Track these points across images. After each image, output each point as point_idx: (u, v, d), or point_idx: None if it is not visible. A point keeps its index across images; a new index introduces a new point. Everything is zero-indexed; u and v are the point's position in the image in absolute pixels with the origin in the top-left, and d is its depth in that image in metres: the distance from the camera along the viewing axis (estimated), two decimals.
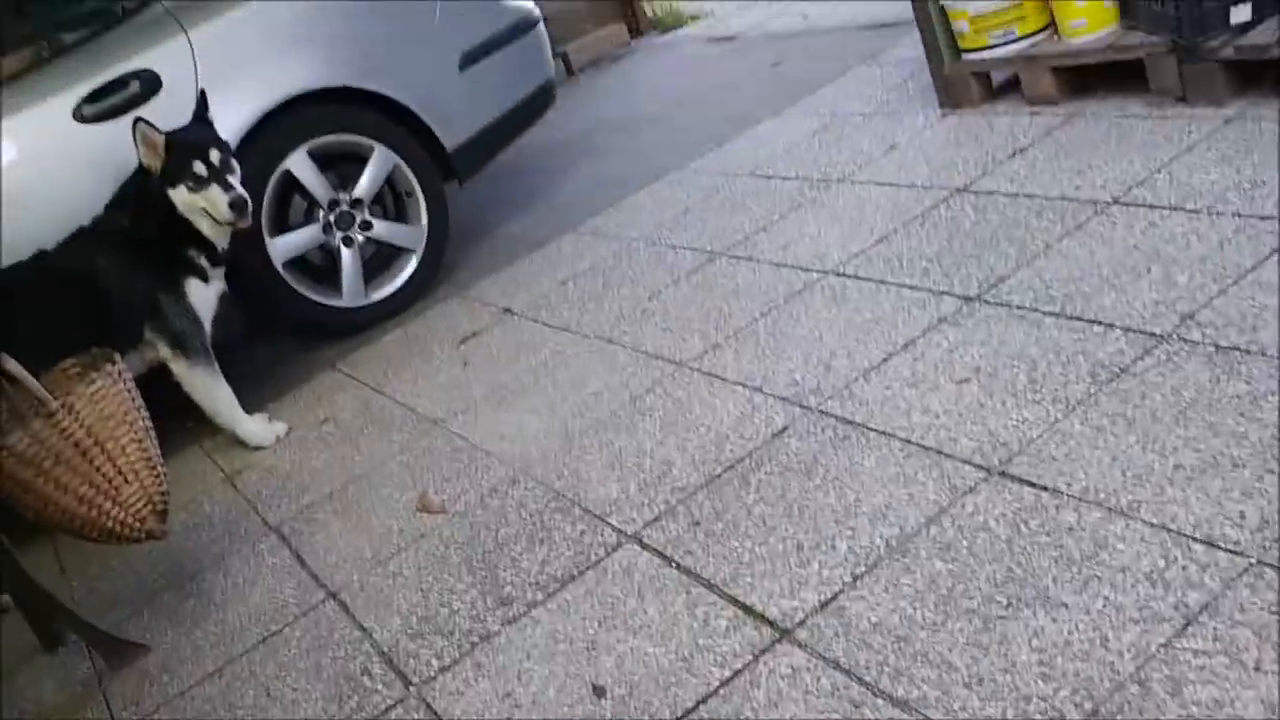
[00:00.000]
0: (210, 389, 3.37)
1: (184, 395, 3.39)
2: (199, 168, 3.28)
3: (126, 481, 2.61)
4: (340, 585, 2.51)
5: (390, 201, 4.10)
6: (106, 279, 3.25)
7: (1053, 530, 1.82)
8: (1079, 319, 2.33)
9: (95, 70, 3.57)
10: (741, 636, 1.87)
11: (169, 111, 3.47)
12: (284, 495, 3.05)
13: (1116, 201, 2.71)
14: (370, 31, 3.95)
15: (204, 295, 3.39)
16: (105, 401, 2.61)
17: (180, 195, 3.29)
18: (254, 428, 3.41)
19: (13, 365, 2.51)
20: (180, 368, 3.34)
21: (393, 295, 4.05)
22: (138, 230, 3.31)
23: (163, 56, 3.63)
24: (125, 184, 3.38)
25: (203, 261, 3.38)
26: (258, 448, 3.38)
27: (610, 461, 2.54)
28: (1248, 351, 2.02)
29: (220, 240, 3.39)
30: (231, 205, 3.27)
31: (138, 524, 2.64)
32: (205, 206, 3.30)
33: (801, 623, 1.85)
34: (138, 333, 3.30)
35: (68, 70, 3.59)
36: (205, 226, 3.34)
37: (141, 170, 3.32)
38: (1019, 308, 2.45)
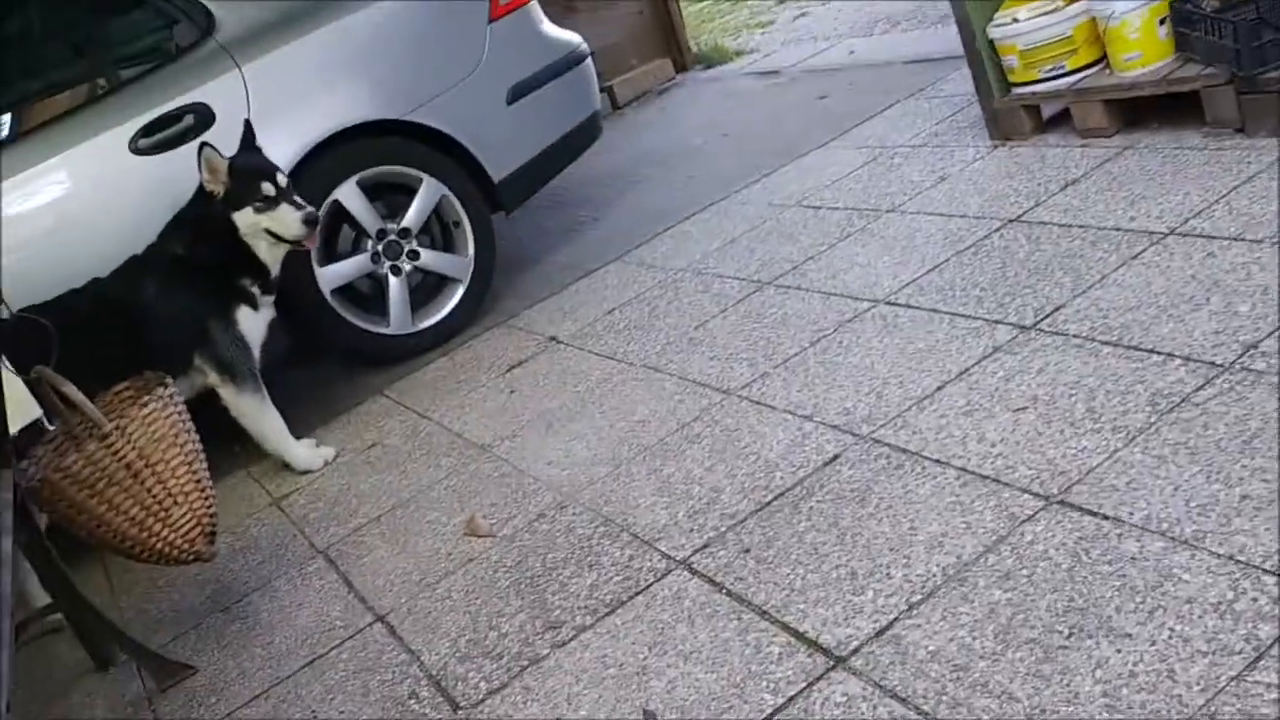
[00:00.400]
0: (258, 415, 3.40)
1: (231, 420, 3.41)
2: (267, 188, 3.34)
3: (176, 503, 2.64)
4: (388, 608, 2.51)
5: (438, 231, 4.12)
6: (158, 306, 3.29)
7: (1115, 560, 1.78)
8: (1137, 348, 2.29)
9: (151, 104, 3.63)
10: (795, 663, 1.85)
11: (223, 144, 3.53)
12: (331, 519, 3.05)
13: (1173, 232, 2.67)
14: (419, 65, 4.00)
15: (254, 323, 3.43)
16: (157, 424, 2.64)
17: (245, 217, 3.34)
18: (302, 453, 3.44)
19: (70, 389, 2.54)
20: (229, 394, 3.37)
21: (439, 323, 4.06)
22: (193, 256, 3.35)
23: (216, 90, 3.69)
24: (180, 213, 3.43)
25: (254, 289, 3.42)
26: (305, 472, 3.40)
27: (658, 488, 2.53)
28: None
29: (274, 266, 3.44)
30: (305, 221, 3.33)
31: (187, 545, 2.66)
32: (271, 226, 3.35)
33: (856, 650, 1.82)
34: (187, 359, 3.33)
35: (124, 104, 3.66)
36: (263, 249, 3.40)
37: (201, 196, 3.36)
38: (1076, 337, 2.42)
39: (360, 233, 3.93)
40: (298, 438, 3.47)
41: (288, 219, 3.34)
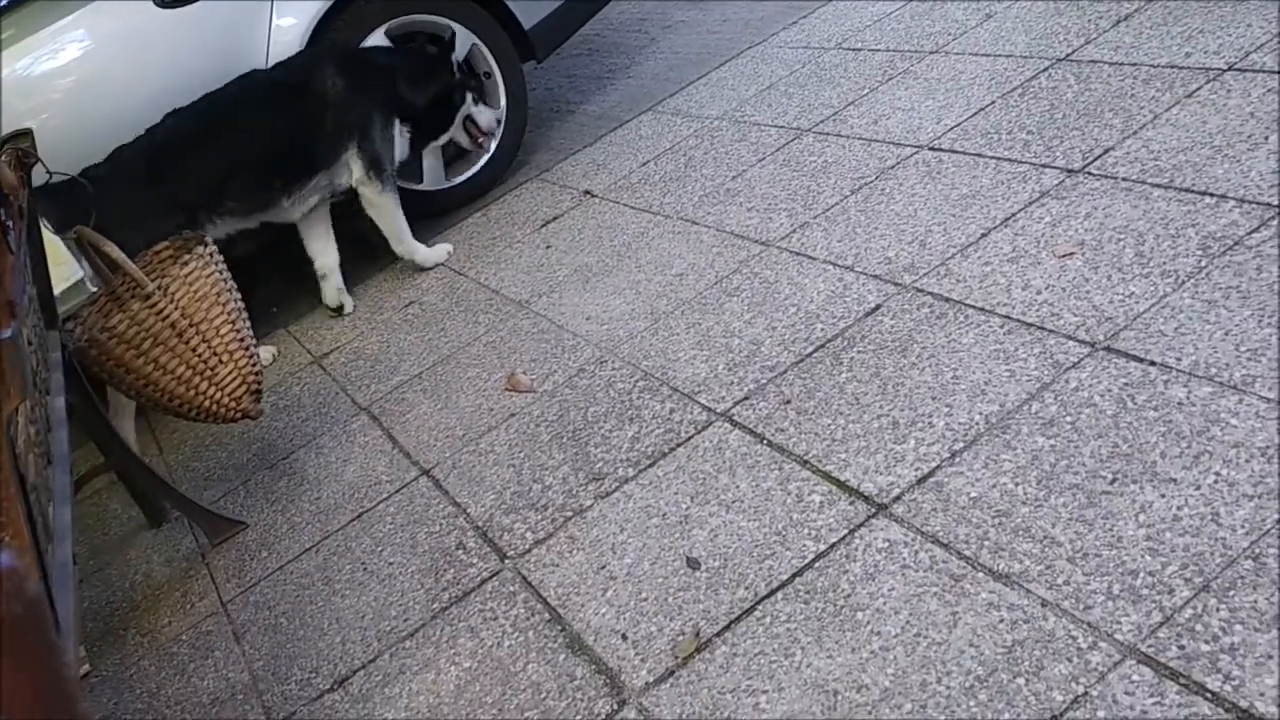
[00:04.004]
0: (394, 213, 3.60)
1: (269, 278, 3.43)
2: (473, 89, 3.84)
3: (222, 362, 2.66)
4: (433, 463, 2.55)
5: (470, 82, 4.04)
6: (338, 94, 3.44)
7: (1161, 406, 1.76)
8: (1189, 190, 2.23)
9: None
10: (836, 511, 1.86)
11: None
12: (372, 377, 3.08)
13: (1231, 68, 2.57)
14: None
15: (402, 140, 3.63)
16: (199, 283, 2.64)
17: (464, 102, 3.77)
18: (428, 252, 3.65)
19: (110, 248, 2.54)
20: (371, 191, 3.54)
21: (473, 178, 4.02)
22: (403, 87, 3.57)
23: None
24: (403, 49, 3.70)
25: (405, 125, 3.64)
26: (433, 267, 3.64)
27: (698, 341, 2.52)
28: None
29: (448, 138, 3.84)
30: (498, 120, 3.95)
31: (234, 403, 2.69)
32: (475, 117, 3.83)
33: (898, 498, 1.83)
34: (342, 150, 3.48)
35: None
36: (455, 127, 3.81)
37: (436, 59, 3.66)
38: (1125, 180, 2.35)
39: None
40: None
41: (483, 117, 3.85)
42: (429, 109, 3.68)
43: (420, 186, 3.94)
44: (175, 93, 3.37)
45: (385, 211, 3.59)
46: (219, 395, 2.66)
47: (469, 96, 3.80)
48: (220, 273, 2.68)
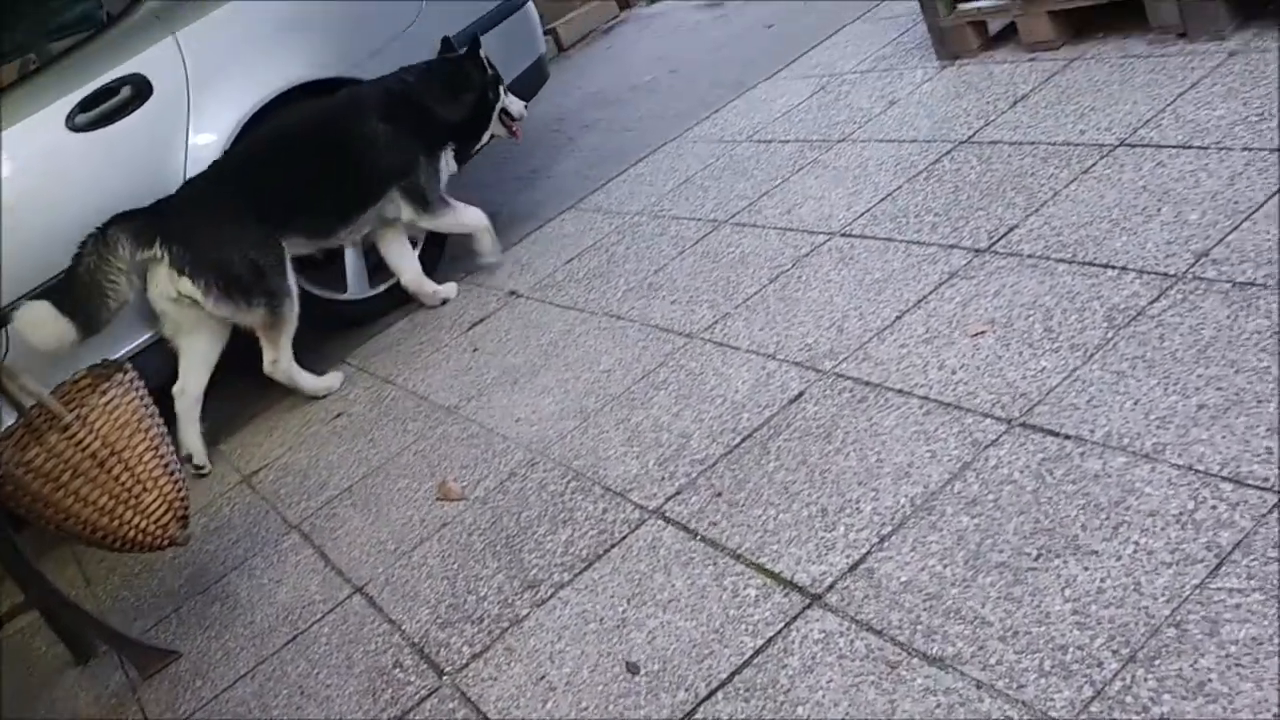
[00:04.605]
0: (457, 217, 3.83)
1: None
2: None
3: (146, 489, 2.61)
4: (366, 579, 2.51)
5: None
6: (382, 134, 3.63)
7: (1079, 478, 1.80)
8: (1092, 264, 2.30)
9: (85, 78, 3.54)
10: (772, 604, 1.86)
11: (162, 114, 3.48)
12: (302, 492, 3.04)
13: (1123, 143, 2.67)
14: (357, 19, 3.92)
15: (448, 161, 3.83)
16: (119, 411, 2.60)
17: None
18: (490, 242, 3.89)
19: (26, 380, 2.50)
20: (426, 223, 3.79)
21: (398, 285, 4.03)
22: (444, 105, 3.78)
23: (152, 60, 3.60)
24: (430, 66, 3.83)
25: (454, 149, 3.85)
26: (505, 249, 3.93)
27: (628, 438, 2.53)
28: (1265, 286, 1.99)
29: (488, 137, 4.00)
30: (525, 107, 4.09)
31: (160, 531, 2.64)
32: (507, 107, 3.96)
33: (831, 586, 1.84)
34: (386, 188, 3.68)
35: (58, 79, 3.57)
36: (494, 123, 3.95)
37: (463, 62, 3.83)
38: (1030, 256, 2.42)
39: None
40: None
41: (514, 105, 4.00)
42: (470, 117, 3.86)
43: (345, 296, 3.94)
44: (98, 212, 3.35)
45: (450, 225, 3.85)
46: (144, 523, 2.60)
47: (501, 89, 3.93)
48: (142, 399, 2.65)
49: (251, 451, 3.44)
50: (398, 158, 3.66)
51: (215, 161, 3.52)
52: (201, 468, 3.44)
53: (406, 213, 3.72)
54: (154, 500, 2.62)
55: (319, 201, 3.58)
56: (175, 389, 3.47)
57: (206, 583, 2.84)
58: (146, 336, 3.54)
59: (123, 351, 3.43)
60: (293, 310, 3.51)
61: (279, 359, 3.51)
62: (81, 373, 2.77)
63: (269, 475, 3.25)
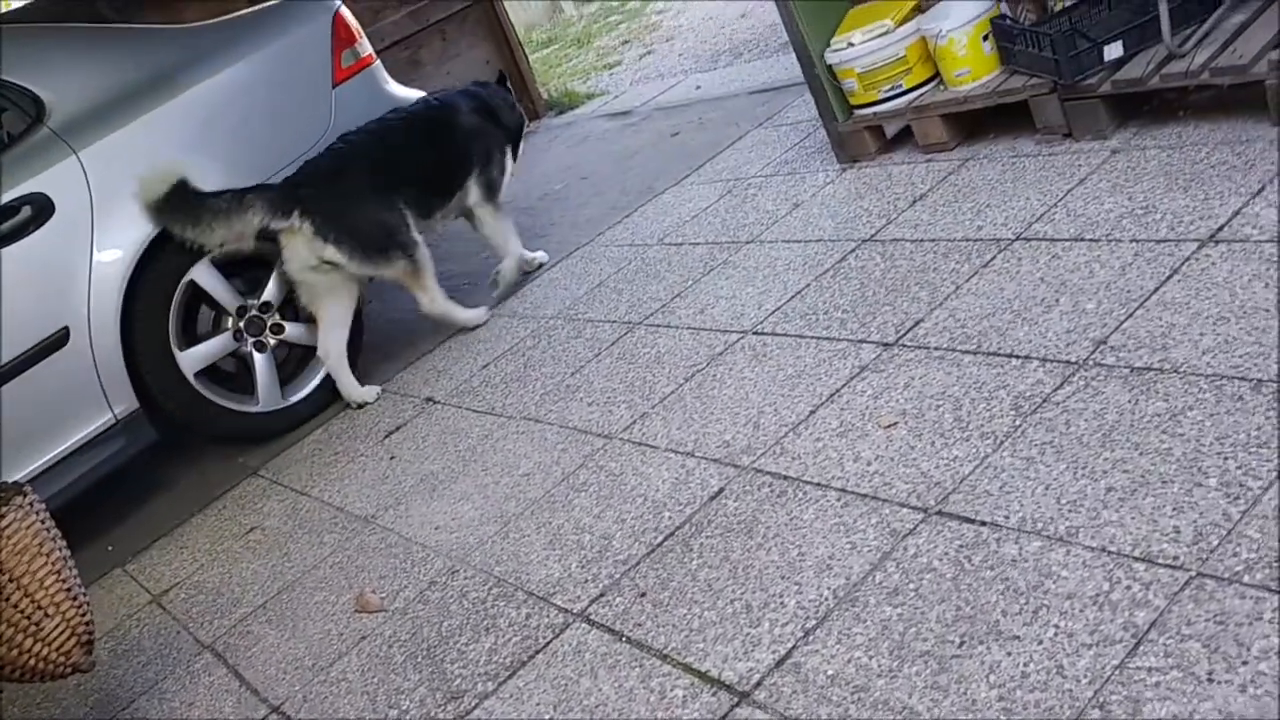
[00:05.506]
0: (506, 229, 4.24)
1: (100, 519, 3.29)
2: None
3: (48, 616, 2.51)
4: (283, 698, 2.43)
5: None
6: (476, 127, 4.14)
7: (996, 564, 1.83)
8: (996, 354, 2.37)
9: None
10: (700, 704, 1.85)
11: (65, 232, 3.43)
12: (215, 611, 2.95)
13: (1019, 238, 2.78)
14: (265, 135, 3.94)
15: (511, 168, 4.31)
16: (19, 535, 2.50)
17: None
18: (527, 253, 4.32)
19: None
20: (487, 212, 4.18)
21: (310, 395, 3.98)
22: (506, 115, 4.30)
23: (54, 179, 3.56)
24: (501, 86, 4.45)
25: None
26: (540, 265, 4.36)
27: (549, 541, 2.51)
28: (1161, 370, 2.07)
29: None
30: None
31: (63, 659, 2.53)
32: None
33: (759, 683, 1.83)
34: (467, 175, 4.10)
35: None
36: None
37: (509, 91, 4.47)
38: (937, 349, 2.49)
39: (220, 311, 3.84)
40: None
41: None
42: (515, 128, 4.34)
43: (256, 409, 3.88)
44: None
45: (498, 229, 4.21)
46: (46, 652, 2.49)
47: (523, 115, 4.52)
48: (43, 522, 2.55)
49: (161, 570, 3.34)
50: (482, 146, 4.14)
51: (330, 148, 3.86)
52: (370, 400, 3.86)
53: (475, 196, 4.13)
54: (56, 626, 2.51)
55: (425, 180, 3.96)
56: (319, 353, 3.88)
57: (114, 709, 2.72)
58: (47, 458, 3.44)
59: (22, 474, 3.33)
60: (427, 256, 3.90)
61: (432, 298, 3.94)
62: None
63: (180, 594, 3.14)
